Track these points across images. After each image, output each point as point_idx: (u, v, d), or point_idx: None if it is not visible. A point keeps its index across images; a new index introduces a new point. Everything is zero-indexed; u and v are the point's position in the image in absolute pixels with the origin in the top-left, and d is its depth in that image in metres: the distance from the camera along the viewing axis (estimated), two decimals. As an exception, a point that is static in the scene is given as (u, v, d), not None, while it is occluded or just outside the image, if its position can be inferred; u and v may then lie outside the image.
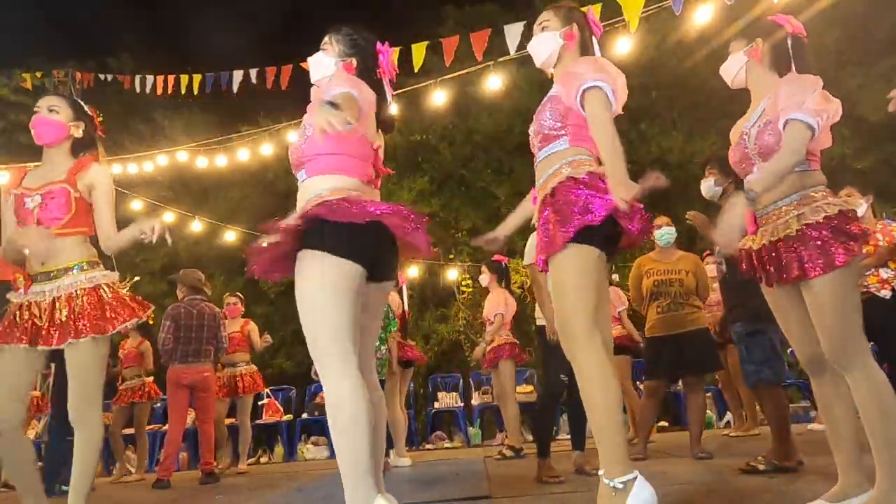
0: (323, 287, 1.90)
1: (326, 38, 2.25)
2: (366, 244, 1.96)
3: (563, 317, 2.00)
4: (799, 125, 2.00)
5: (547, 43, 2.24)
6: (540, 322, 3.74)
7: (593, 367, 1.92)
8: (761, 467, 3.04)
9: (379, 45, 2.30)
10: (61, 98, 2.78)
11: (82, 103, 2.82)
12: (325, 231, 1.91)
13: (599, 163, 2.10)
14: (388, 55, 2.32)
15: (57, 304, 2.51)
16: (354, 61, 2.22)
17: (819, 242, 1.97)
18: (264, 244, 1.98)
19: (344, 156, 2.07)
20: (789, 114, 2.02)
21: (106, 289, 2.60)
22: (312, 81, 2.27)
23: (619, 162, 1.96)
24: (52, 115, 2.67)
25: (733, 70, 2.32)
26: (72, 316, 2.49)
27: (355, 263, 1.93)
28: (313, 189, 2.03)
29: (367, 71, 2.25)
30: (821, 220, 1.99)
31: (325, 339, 1.89)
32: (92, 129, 2.79)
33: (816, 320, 2.02)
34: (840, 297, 1.97)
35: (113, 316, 2.55)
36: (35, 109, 2.72)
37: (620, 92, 2.12)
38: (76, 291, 2.53)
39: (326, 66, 2.23)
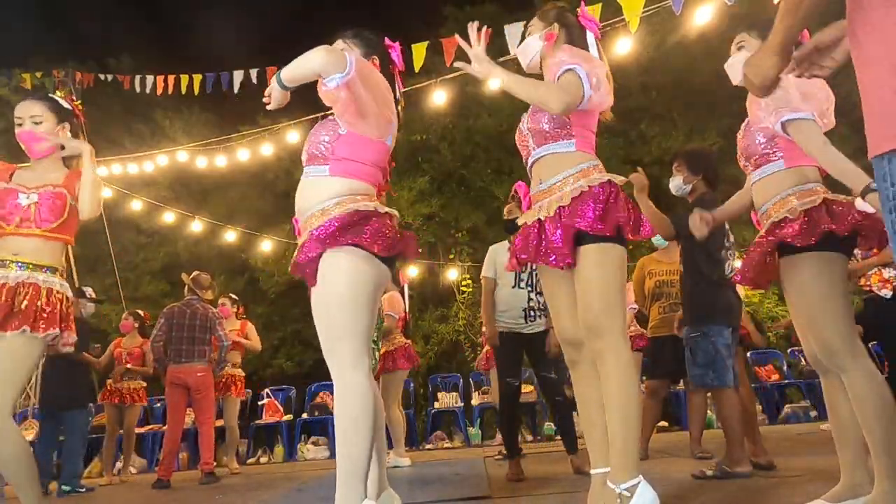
0: (366, 284, 1.93)
1: (340, 42, 2.20)
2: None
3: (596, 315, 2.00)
4: (800, 124, 1.95)
5: (528, 47, 2.29)
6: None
7: (623, 369, 1.94)
8: (709, 472, 2.97)
9: (388, 41, 2.29)
10: (40, 103, 2.67)
11: (59, 98, 2.73)
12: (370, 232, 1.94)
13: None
14: (398, 50, 2.31)
15: (18, 291, 2.43)
16: (376, 59, 2.20)
17: (807, 221, 1.96)
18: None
19: (369, 165, 2.05)
20: (783, 116, 1.97)
21: (57, 295, 2.52)
22: None
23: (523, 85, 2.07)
24: (39, 129, 2.61)
25: None
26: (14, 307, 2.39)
27: (384, 264, 1.98)
28: (333, 189, 2.00)
29: (384, 69, 2.23)
30: (816, 205, 1.98)
31: (352, 335, 1.90)
32: (77, 123, 2.73)
33: (805, 315, 2.01)
34: (820, 282, 1.96)
35: (45, 317, 2.44)
36: (17, 121, 2.62)
37: (603, 83, 2.08)
38: (28, 286, 2.45)
39: None
